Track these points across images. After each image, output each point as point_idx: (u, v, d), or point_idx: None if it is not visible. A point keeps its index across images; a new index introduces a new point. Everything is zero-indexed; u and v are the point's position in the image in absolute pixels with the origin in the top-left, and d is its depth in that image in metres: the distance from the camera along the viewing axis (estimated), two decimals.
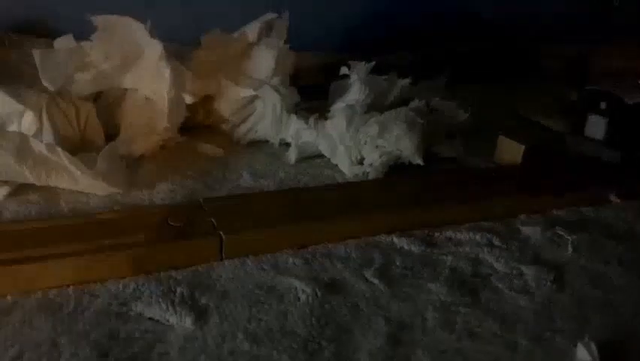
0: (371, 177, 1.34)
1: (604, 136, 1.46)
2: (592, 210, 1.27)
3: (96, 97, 1.44)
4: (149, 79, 1.36)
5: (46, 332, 0.80)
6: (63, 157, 1.13)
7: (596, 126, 1.47)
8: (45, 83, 1.29)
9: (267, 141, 1.52)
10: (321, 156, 1.43)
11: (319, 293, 0.92)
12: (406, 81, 1.61)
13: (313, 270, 0.98)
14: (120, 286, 0.90)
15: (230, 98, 1.51)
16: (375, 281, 0.96)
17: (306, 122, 1.45)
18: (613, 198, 1.31)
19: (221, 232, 1.00)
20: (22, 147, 1.12)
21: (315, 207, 1.15)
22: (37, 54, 1.30)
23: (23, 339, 0.78)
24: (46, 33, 1.61)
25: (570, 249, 1.10)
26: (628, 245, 1.13)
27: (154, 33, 1.35)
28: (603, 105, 1.47)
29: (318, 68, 1.84)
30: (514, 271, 1.02)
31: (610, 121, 1.45)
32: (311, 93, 1.63)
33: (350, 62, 1.55)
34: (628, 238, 1.16)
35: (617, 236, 1.16)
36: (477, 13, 2.13)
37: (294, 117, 1.47)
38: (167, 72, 1.33)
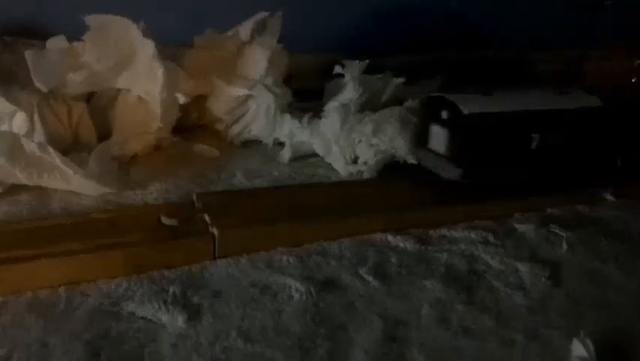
0: (365, 176, 1.33)
1: (445, 150, 1.24)
2: (587, 208, 1.27)
3: (89, 97, 1.43)
4: (142, 79, 1.36)
5: (37, 331, 0.79)
6: (55, 157, 1.12)
7: (437, 138, 1.26)
8: (37, 84, 1.28)
9: (260, 141, 1.51)
10: (315, 155, 1.42)
11: (314, 291, 0.91)
12: (401, 80, 1.60)
13: (308, 268, 0.98)
14: (112, 285, 0.89)
15: (224, 98, 1.51)
16: (370, 279, 0.96)
17: (300, 122, 1.44)
18: (608, 196, 1.31)
19: (214, 231, 1.00)
20: (13, 147, 1.11)
21: (309, 205, 1.15)
22: (29, 55, 1.29)
23: (13, 339, 0.77)
24: (39, 34, 1.60)
25: (565, 246, 1.10)
26: (623, 243, 1.13)
27: (147, 33, 1.35)
28: (445, 115, 1.24)
29: (313, 70, 1.83)
30: (510, 268, 1.02)
31: (451, 133, 1.24)
32: (306, 97, 1.62)
33: (344, 61, 1.54)
34: (623, 235, 1.16)
35: (613, 234, 1.16)
36: (474, 18, 2.13)
37: (287, 117, 1.47)
38: (160, 72, 1.33)
